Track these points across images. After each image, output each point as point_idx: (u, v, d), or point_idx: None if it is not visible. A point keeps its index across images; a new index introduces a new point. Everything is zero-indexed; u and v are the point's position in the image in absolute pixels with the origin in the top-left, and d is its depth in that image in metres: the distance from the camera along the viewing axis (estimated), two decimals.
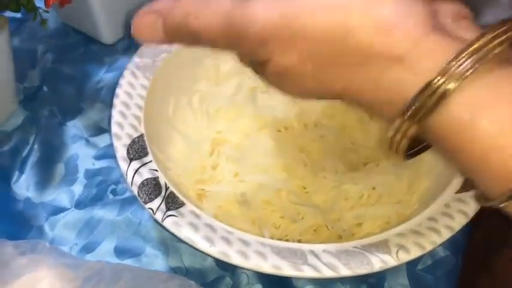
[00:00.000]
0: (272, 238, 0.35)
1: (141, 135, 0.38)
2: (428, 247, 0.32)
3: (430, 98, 0.21)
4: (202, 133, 0.43)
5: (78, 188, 0.46)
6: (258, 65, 0.25)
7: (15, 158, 0.48)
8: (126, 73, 0.42)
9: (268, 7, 0.23)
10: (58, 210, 0.45)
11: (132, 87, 0.41)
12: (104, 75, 0.55)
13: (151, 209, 0.34)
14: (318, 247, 0.31)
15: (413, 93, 0.22)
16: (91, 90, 0.54)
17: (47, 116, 0.51)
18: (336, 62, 0.23)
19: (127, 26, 0.58)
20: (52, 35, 0.59)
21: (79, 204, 0.45)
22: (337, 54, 0.22)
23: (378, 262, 0.31)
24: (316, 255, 0.31)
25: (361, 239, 0.33)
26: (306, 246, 0.32)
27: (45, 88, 0.53)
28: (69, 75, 0.55)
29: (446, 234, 0.32)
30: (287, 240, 0.38)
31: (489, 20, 0.64)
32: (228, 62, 0.46)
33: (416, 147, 0.26)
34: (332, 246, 0.32)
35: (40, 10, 0.46)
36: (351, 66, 0.23)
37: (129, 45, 0.58)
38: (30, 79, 0.54)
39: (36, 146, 0.49)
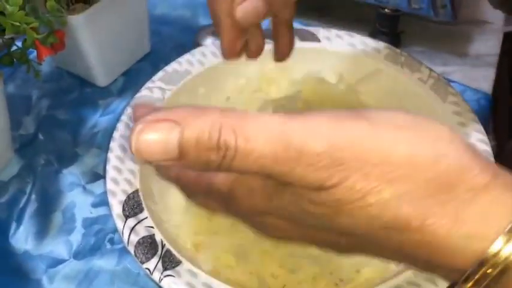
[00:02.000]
0: None
1: (136, 191, 0.38)
2: None
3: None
4: None
5: (76, 238, 0.46)
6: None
7: (12, 209, 0.48)
8: (120, 125, 0.42)
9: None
10: (56, 262, 0.45)
11: (126, 139, 0.41)
12: (99, 119, 0.55)
13: (148, 269, 0.34)
14: None
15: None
16: (87, 135, 0.54)
17: (43, 164, 0.51)
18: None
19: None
20: (46, 79, 0.59)
21: (77, 255, 0.45)
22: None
23: None
24: None
25: None
26: None
27: (40, 135, 0.54)
28: (64, 120, 0.55)
29: (444, 285, 0.32)
30: None
31: (481, 49, 0.64)
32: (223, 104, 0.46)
33: None
34: None
35: (33, 62, 0.46)
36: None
37: (123, 87, 0.58)
38: (26, 126, 0.55)
39: (33, 196, 0.49)
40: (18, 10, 0.41)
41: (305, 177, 0.21)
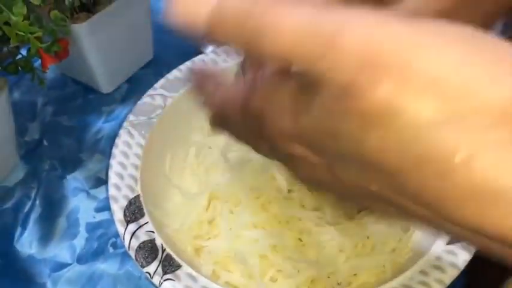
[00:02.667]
0: None
1: (138, 196, 0.39)
2: None
3: None
4: (198, 187, 0.43)
5: (79, 242, 0.47)
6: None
7: (17, 215, 0.49)
8: (123, 132, 0.43)
9: None
10: (60, 266, 0.46)
11: (128, 146, 0.42)
12: (102, 125, 0.56)
13: (149, 273, 0.34)
14: None
15: None
16: (90, 141, 0.55)
17: (47, 169, 0.52)
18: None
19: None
20: (51, 86, 0.60)
21: (81, 259, 0.46)
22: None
23: None
24: None
25: None
26: None
27: (45, 142, 0.55)
28: (68, 126, 0.56)
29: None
30: None
31: None
32: None
33: None
34: None
35: (37, 70, 0.47)
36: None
37: (126, 94, 0.59)
38: (31, 132, 0.56)
39: (38, 201, 0.50)
40: (23, 20, 0.41)
41: (334, 69, 0.18)
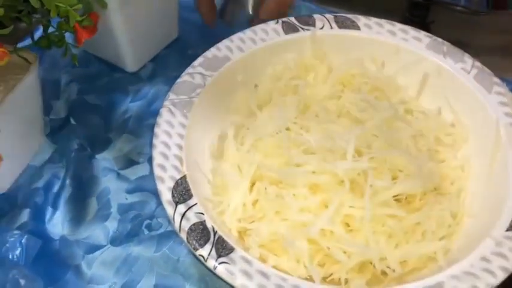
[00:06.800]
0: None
1: (184, 177, 0.38)
2: None
3: None
4: (241, 169, 0.42)
5: (112, 224, 0.46)
6: None
7: (47, 195, 0.47)
8: (164, 111, 0.41)
9: None
10: (94, 248, 0.44)
11: (170, 125, 0.40)
12: (129, 105, 0.55)
13: (202, 256, 0.33)
14: None
15: None
16: (118, 120, 0.53)
17: (76, 149, 0.51)
18: None
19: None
20: (74, 64, 0.58)
21: (114, 241, 0.45)
22: None
23: None
24: None
25: (414, 282, 0.32)
26: None
27: (72, 120, 0.53)
28: (95, 105, 0.54)
29: (501, 276, 0.32)
30: (332, 279, 0.38)
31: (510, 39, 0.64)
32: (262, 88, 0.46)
33: None
34: None
35: (70, 45, 0.45)
36: None
37: (152, 73, 0.58)
38: (56, 111, 0.54)
39: (67, 181, 0.48)
40: None
41: None
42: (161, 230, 0.45)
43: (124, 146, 0.51)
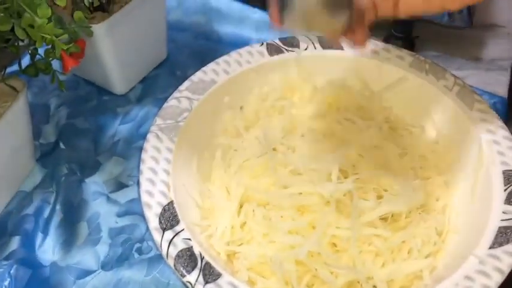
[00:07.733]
0: None
1: (171, 202, 0.38)
2: None
3: None
4: (228, 192, 0.43)
5: (103, 248, 0.46)
6: None
7: (38, 220, 0.48)
8: (151, 136, 0.42)
9: None
10: (85, 273, 0.45)
11: (157, 151, 0.41)
12: (119, 127, 0.55)
13: (190, 283, 0.34)
14: None
15: None
16: (107, 143, 0.54)
17: (66, 173, 0.51)
18: None
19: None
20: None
21: (105, 265, 0.45)
22: None
23: None
24: None
25: None
26: None
27: (61, 144, 0.53)
28: (84, 129, 0.55)
29: None
30: None
31: (495, 54, 0.65)
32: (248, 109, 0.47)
33: None
34: None
35: (57, 72, 0.46)
36: None
37: (141, 95, 0.58)
38: (45, 135, 0.54)
39: (58, 206, 0.49)
40: (47, 23, 0.40)
41: None
42: (151, 254, 0.46)
43: (113, 169, 0.52)
